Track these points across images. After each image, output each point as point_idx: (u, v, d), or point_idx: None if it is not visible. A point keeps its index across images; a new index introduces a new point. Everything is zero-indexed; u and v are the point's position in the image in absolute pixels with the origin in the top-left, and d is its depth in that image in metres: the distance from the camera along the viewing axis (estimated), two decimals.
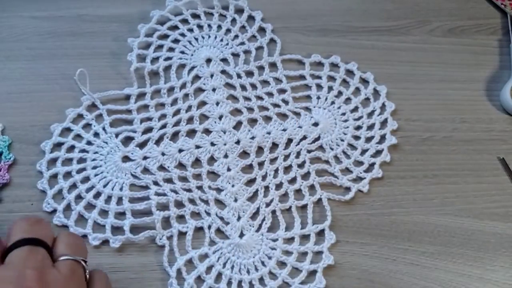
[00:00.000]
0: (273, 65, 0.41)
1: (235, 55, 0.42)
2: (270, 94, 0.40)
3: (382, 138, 0.39)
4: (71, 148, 0.37)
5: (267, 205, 0.36)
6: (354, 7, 0.45)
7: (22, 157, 0.36)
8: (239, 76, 0.41)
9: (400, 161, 0.39)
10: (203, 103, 0.40)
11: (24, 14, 0.42)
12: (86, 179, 0.36)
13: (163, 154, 0.37)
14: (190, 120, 0.39)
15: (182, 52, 0.41)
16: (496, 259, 0.35)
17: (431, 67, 0.43)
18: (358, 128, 0.40)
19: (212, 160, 0.38)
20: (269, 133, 0.39)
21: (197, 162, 0.37)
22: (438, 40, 0.44)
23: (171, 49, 0.41)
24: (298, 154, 0.38)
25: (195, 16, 0.43)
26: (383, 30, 0.44)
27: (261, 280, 0.33)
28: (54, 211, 0.35)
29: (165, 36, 0.42)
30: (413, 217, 0.36)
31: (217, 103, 0.39)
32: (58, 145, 0.37)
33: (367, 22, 0.44)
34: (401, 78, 0.42)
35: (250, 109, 0.40)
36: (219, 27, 0.43)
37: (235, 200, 0.36)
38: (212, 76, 0.40)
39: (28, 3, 0.43)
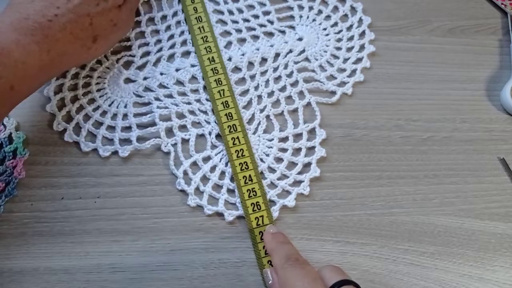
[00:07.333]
0: None
1: None
2: (256, 17, 0.43)
3: (362, 47, 0.42)
4: (75, 75, 0.39)
5: (261, 111, 0.39)
6: None
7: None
8: (225, 2, 0.44)
9: (400, 161, 0.38)
10: None
11: None
12: (92, 101, 0.38)
13: (161, 73, 0.40)
14: (184, 42, 0.42)
15: None
16: (497, 259, 0.35)
17: (431, 67, 0.42)
18: (339, 40, 0.43)
19: None
20: (257, 49, 0.41)
21: (193, 78, 0.40)
22: (438, 40, 0.44)
23: None
24: (286, 66, 0.41)
25: None
26: (383, 30, 0.44)
27: (261, 173, 0.36)
28: (64, 130, 0.37)
29: None
30: (413, 217, 0.36)
31: None
32: (62, 74, 0.39)
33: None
34: (401, 78, 0.42)
35: (239, 31, 0.43)
36: None
37: None
38: None
39: None
